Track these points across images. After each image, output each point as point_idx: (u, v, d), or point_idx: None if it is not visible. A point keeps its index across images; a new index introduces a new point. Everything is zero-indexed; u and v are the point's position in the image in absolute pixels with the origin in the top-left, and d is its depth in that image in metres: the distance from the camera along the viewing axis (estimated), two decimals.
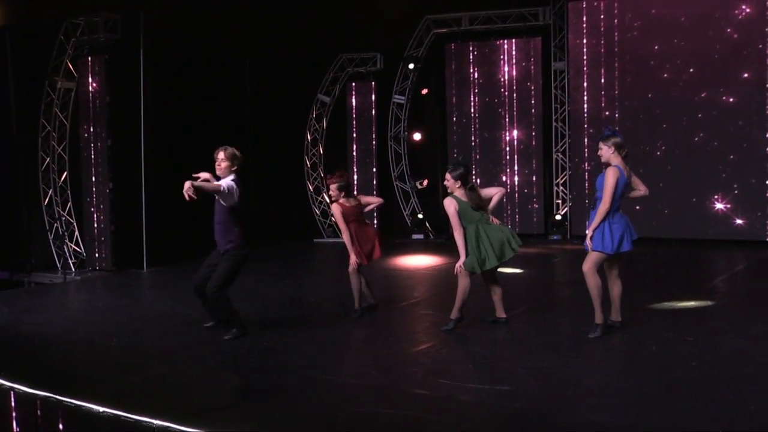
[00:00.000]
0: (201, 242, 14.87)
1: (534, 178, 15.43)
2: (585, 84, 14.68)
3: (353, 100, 16.41)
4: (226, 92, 16.24)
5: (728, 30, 13.33)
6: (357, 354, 7.00)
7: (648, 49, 14.01)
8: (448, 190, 7.10)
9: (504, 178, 15.60)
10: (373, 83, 16.29)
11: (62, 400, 5.52)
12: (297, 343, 7.02)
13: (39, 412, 5.50)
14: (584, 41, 14.63)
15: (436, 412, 5.09)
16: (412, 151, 16.39)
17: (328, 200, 7.65)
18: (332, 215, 7.77)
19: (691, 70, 13.65)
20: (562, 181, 15.18)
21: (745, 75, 13.19)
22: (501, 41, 15.55)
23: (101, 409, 5.31)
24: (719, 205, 13.44)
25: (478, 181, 15.75)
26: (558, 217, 14.98)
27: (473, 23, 15.55)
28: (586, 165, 14.73)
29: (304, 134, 16.57)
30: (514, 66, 15.48)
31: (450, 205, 6.94)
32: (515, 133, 15.51)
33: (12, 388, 5.89)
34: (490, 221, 7.00)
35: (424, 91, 16.26)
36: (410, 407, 5.18)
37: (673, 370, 5.79)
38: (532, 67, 15.38)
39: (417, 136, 16.35)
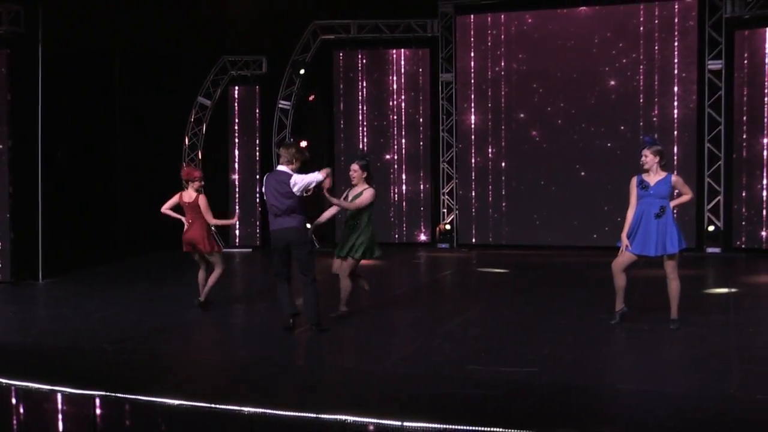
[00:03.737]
0: (96, 252, 15.03)
1: (421, 187, 16.92)
2: (472, 96, 16.41)
3: (236, 104, 17.10)
4: (96, 91, 16.38)
5: (607, 68, 15.60)
6: (367, 348, 7.90)
7: (531, 85, 16.02)
8: (353, 182, 9.05)
9: (392, 187, 16.94)
10: (257, 87, 17.06)
11: (131, 398, 6.08)
12: (312, 341, 7.96)
13: (110, 413, 6.04)
14: (471, 56, 16.36)
15: (497, 390, 6.21)
16: None
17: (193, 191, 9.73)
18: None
19: (573, 111, 15.80)
20: (448, 191, 16.76)
21: (623, 127, 15.48)
22: (390, 50, 16.94)
23: (176, 402, 5.97)
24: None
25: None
26: (448, 226, 16.54)
27: (361, 31, 16.80)
28: (473, 175, 16.45)
29: (182, 138, 17.03)
30: (402, 75, 16.92)
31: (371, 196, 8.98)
32: (403, 142, 16.94)
33: (56, 391, 6.32)
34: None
35: (311, 98, 17.27)
36: (467, 388, 6.27)
37: (674, 349, 7.39)
38: (421, 78, 16.90)
39: (303, 143, 17.26)
